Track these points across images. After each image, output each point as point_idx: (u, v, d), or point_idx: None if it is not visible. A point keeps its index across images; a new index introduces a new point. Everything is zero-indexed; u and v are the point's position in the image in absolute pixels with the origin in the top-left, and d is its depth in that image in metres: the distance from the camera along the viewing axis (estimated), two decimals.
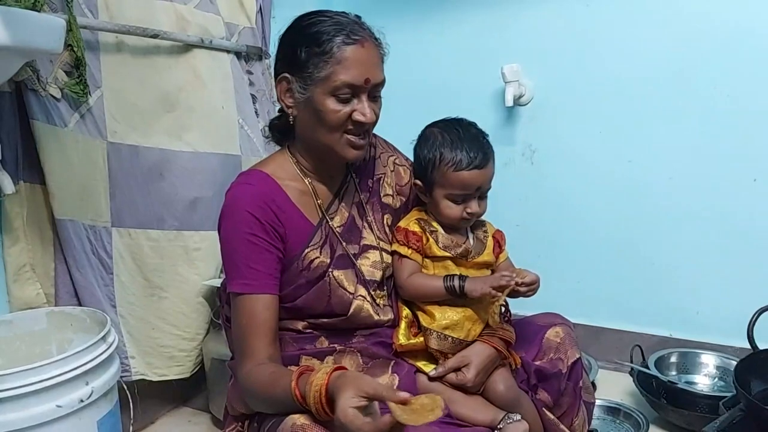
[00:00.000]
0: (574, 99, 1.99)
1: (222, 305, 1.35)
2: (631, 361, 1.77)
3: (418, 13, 2.16)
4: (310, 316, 1.21)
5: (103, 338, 1.37)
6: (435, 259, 1.31)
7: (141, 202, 1.70)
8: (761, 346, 1.49)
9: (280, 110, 1.25)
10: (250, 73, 1.97)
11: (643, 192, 1.94)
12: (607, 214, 1.99)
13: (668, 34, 1.85)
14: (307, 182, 1.22)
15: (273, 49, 1.98)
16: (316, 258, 1.20)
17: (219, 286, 1.73)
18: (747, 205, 1.82)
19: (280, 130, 1.29)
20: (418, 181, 1.31)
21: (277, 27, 1.97)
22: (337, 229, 1.24)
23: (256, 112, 1.97)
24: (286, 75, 1.18)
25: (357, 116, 1.14)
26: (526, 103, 2.03)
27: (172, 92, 1.72)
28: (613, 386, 1.88)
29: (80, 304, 1.64)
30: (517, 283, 1.22)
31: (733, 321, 1.61)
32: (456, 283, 1.24)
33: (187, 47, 1.76)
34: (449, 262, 1.31)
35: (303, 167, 1.23)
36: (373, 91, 1.16)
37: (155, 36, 1.66)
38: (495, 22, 2.06)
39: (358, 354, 1.23)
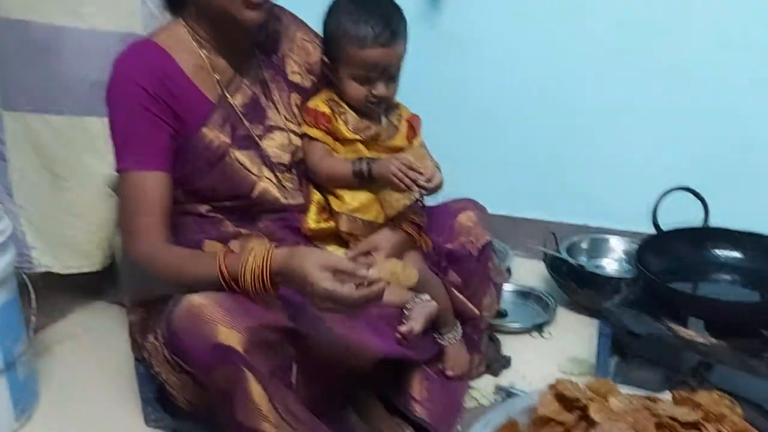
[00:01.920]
0: None
1: None
2: (544, 247, 1.81)
3: None
4: (212, 199, 1.17)
5: None
6: (345, 142, 1.27)
7: (35, 84, 1.56)
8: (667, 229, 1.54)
9: None
10: None
11: (560, 83, 1.92)
12: (527, 104, 1.97)
13: None
14: (203, 55, 1.14)
15: None
16: (216, 138, 1.14)
17: None
18: (651, 93, 1.84)
19: None
20: (326, 58, 1.24)
21: None
22: (239, 107, 1.18)
23: None
24: None
25: None
26: None
27: None
28: (528, 273, 1.94)
29: None
30: (419, 184, 1.21)
31: (642, 207, 1.66)
32: (364, 166, 1.21)
33: None
34: (360, 146, 1.27)
35: (199, 38, 1.14)
36: None
37: None
38: None
39: (265, 238, 1.20)
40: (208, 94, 1.14)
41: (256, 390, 0.95)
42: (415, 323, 1.22)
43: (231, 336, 0.93)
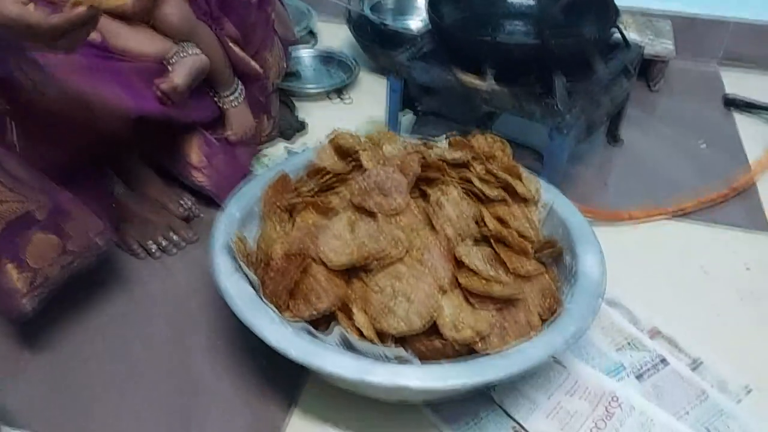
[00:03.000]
0: None
1: None
2: (349, 4, 1.67)
3: None
4: None
5: None
6: None
7: None
8: None
9: None
10: None
11: None
12: None
13: None
14: None
15: None
16: None
17: None
18: None
19: None
20: None
21: None
22: None
23: None
24: None
25: None
26: None
27: None
28: (333, 37, 1.81)
29: None
30: None
31: None
32: None
33: None
34: None
35: None
36: None
37: None
38: None
39: None
40: None
41: None
42: (176, 77, 1.06)
43: None
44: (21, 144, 0.88)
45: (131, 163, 1.16)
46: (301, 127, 1.45)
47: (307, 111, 1.52)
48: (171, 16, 1.09)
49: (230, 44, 1.20)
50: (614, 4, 1.16)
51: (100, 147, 1.05)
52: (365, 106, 1.56)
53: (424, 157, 0.96)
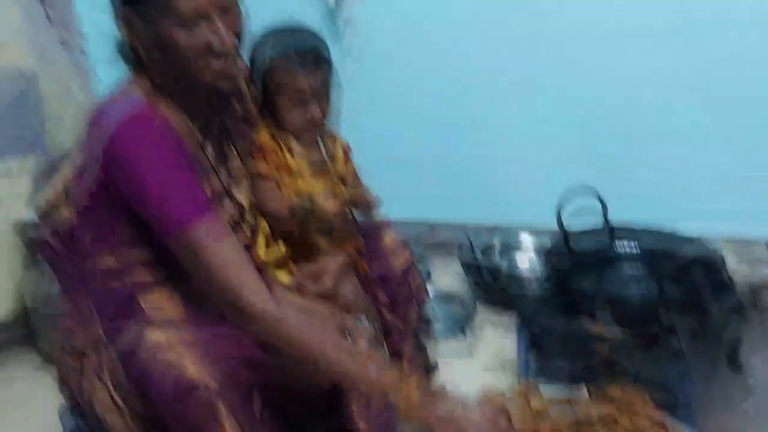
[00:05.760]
0: None
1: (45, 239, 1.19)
2: (460, 250, 1.89)
3: None
4: None
5: None
6: (291, 172, 1.28)
7: None
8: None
9: None
10: None
11: (466, 88, 2.00)
12: (434, 111, 2.04)
13: None
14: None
15: None
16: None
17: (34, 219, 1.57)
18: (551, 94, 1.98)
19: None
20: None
21: None
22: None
23: (47, 17, 1.71)
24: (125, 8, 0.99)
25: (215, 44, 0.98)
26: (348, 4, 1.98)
27: None
28: (446, 274, 2.02)
29: None
30: None
31: (546, 205, 1.75)
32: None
33: None
34: (305, 173, 1.29)
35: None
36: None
37: None
38: None
39: None
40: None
41: (229, 424, 0.96)
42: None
43: (200, 371, 0.93)
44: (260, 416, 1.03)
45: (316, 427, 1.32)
46: (434, 367, 1.59)
47: (434, 349, 1.67)
48: (349, 292, 1.31)
49: (384, 310, 1.40)
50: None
51: (298, 412, 1.22)
52: (486, 340, 1.71)
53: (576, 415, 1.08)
